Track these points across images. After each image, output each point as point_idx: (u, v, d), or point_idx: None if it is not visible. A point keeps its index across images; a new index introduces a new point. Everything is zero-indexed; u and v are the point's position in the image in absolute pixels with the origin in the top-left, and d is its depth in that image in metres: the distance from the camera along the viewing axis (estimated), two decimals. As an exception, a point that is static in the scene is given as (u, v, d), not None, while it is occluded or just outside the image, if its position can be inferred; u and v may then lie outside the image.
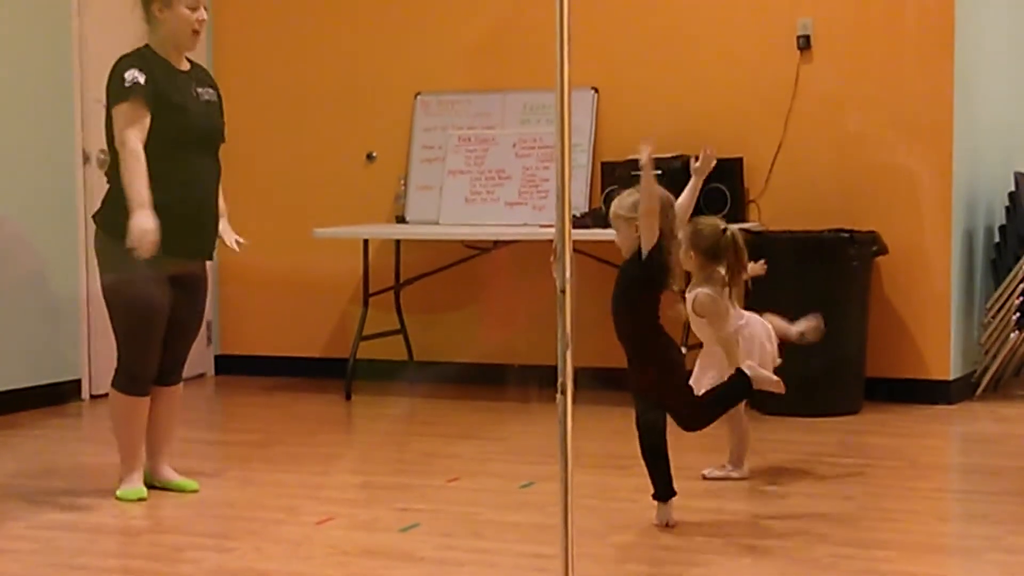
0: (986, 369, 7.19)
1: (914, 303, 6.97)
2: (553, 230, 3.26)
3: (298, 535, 4.74)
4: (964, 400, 7.06)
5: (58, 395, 7.27)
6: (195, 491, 5.30)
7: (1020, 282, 7.13)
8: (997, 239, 7.50)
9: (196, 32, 5.16)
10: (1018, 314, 7.15)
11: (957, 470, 5.97)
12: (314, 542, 4.66)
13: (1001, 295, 7.20)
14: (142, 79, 5.02)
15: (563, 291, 3.13)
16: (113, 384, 5.24)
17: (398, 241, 7.67)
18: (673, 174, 7.00)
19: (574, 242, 7.28)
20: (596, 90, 7.41)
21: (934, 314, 6.95)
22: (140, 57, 5.10)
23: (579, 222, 6.96)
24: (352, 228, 7.62)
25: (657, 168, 6.89)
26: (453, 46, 7.70)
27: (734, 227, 5.31)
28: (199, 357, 7.93)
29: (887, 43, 6.97)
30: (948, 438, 6.53)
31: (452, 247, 7.51)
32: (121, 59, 5.11)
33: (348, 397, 7.37)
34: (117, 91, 5.04)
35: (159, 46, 5.15)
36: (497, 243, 7.37)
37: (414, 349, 7.78)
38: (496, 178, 7.51)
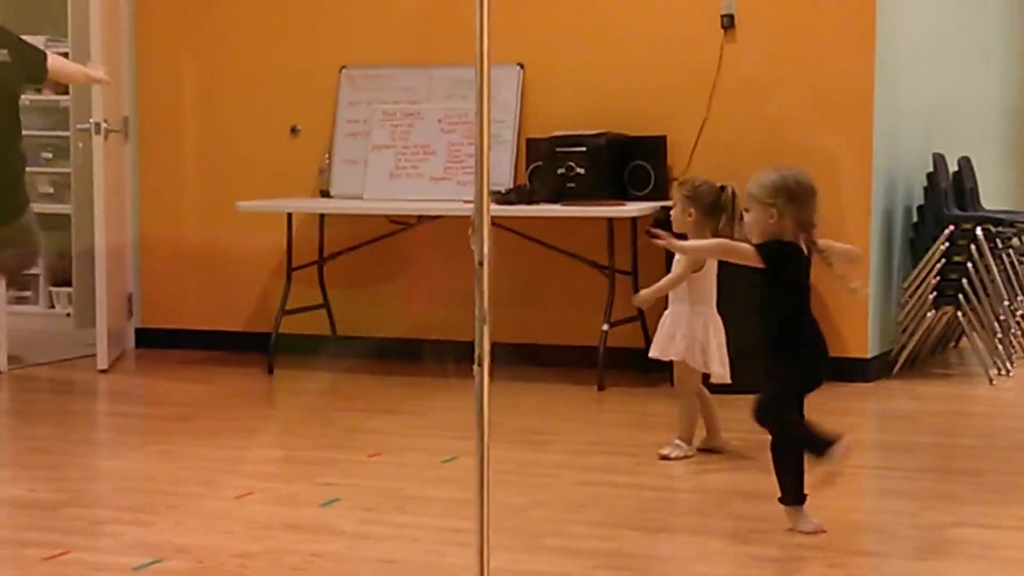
0: (903, 347, 7.29)
1: (833, 282, 7.03)
2: (479, 206, 3.27)
3: (218, 509, 4.73)
4: (882, 378, 7.16)
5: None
6: None
7: (937, 262, 7.23)
8: (915, 219, 7.60)
9: None
10: (934, 293, 7.25)
11: (874, 447, 6.05)
12: (234, 516, 4.65)
13: (918, 275, 7.30)
14: None
15: (481, 263, 3.14)
16: None
17: (322, 215, 7.64)
18: (596, 151, 7.06)
19: (498, 218, 7.33)
20: (522, 66, 7.42)
21: (853, 293, 7.01)
22: None
23: (504, 198, 6.97)
24: (276, 202, 7.58)
25: (581, 145, 7.03)
26: (379, 20, 7.66)
27: (731, 184, 5.48)
28: (120, 331, 7.88)
29: (810, 24, 7.03)
30: (866, 415, 6.61)
31: (376, 222, 7.50)
32: None
33: (270, 371, 7.34)
34: None
35: None
36: (421, 218, 7.36)
37: (337, 324, 7.76)
38: (421, 153, 7.50)
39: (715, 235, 5.39)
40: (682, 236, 5.51)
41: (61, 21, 8.87)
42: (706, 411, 5.54)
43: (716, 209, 5.41)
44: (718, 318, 5.48)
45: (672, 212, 5.56)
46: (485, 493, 3.19)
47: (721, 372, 5.46)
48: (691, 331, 5.42)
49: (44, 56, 5.99)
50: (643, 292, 5.53)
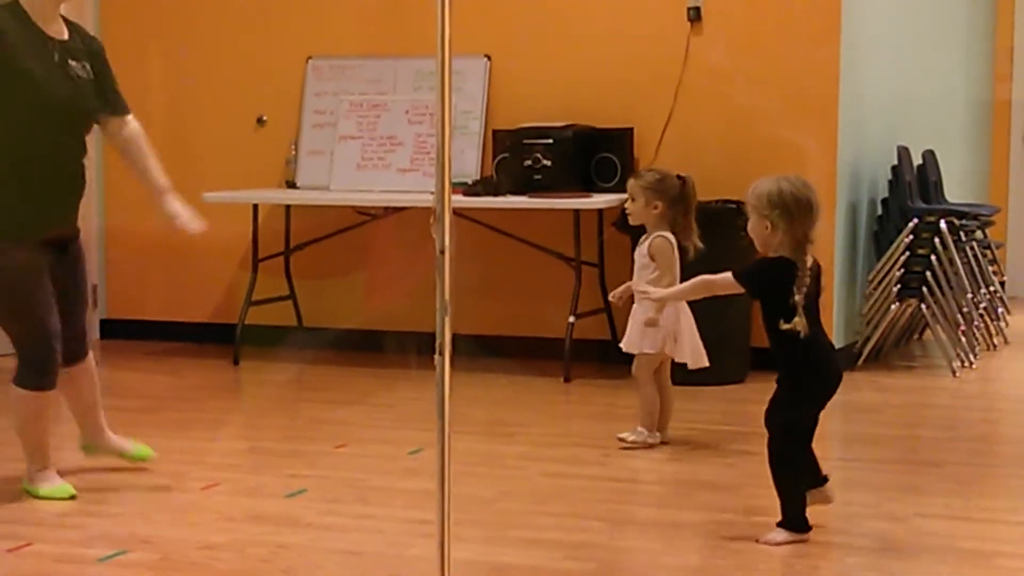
0: (867, 339, 7.33)
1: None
2: (445, 197, 3.27)
3: (184, 501, 4.72)
4: (846, 370, 7.08)
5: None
6: (149, 457, 5.07)
7: (901, 254, 7.27)
8: (880, 212, 7.64)
9: None
10: (899, 286, 7.29)
11: (838, 438, 6.07)
12: (200, 508, 4.64)
13: (883, 267, 7.34)
14: None
15: (442, 252, 3.14)
16: (17, 382, 4.71)
17: (288, 206, 7.62)
18: (563, 143, 7.06)
19: (464, 209, 7.33)
20: (489, 58, 7.42)
21: (818, 285, 7.05)
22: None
23: (470, 190, 6.98)
24: (242, 192, 7.56)
25: (548, 136, 7.03)
26: (345, 11, 7.65)
27: (687, 175, 5.58)
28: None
29: (776, 17, 7.05)
30: (830, 407, 6.55)
31: (343, 213, 7.49)
32: None
33: (236, 363, 7.32)
34: None
35: (30, 4, 4.63)
36: (388, 209, 7.35)
37: (303, 315, 7.75)
38: (388, 144, 7.49)
39: (673, 227, 5.47)
40: (639, 228, 5.55)
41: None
42: (664, 402, 5.56)
43: (680, 201, 5.50)
44: (686, 306, 5.50)
45: (629, 206, 5.58)
46: (446, 483, 3.20)
47: (695, 359, 5.50)
48: (662, 322, 5.45)
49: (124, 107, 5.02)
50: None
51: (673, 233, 5.50)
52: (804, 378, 4.33)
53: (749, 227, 4.36)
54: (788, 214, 4.21)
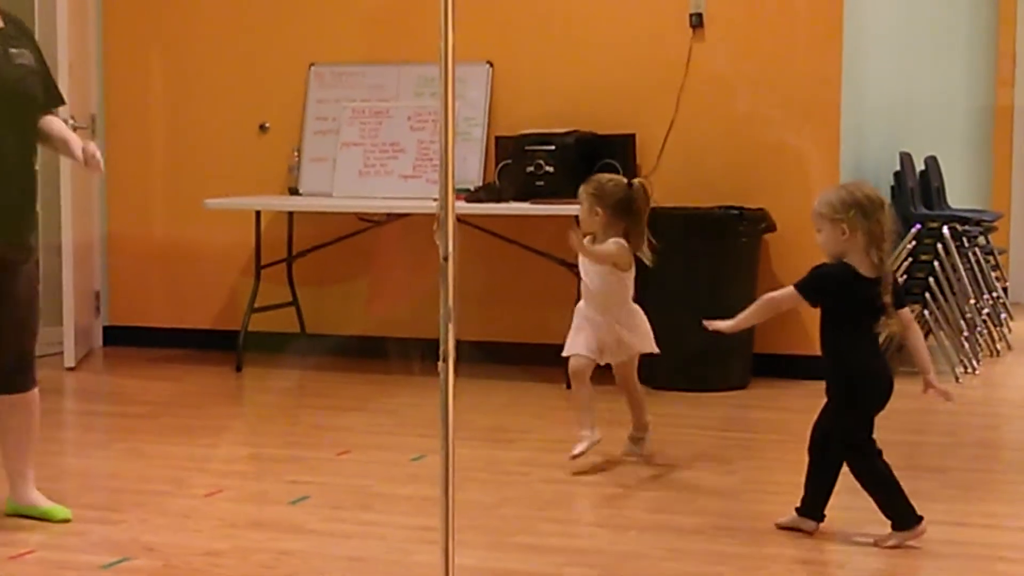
0: (870, 345, 7.32)
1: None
2: (448, 204, 3.28)
3: (186, 507, 4.72)
4: (848, 376, 7.18)
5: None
6: (66, 520, 4.51)
7: (904, 260, 7.27)
8: (882, 218, 7.64)
9: None
10: (901, 292, 7.29)
11: (840, 444, 6.08)
12: (202, 514, 4.64)
13: (885, 273, 7.34)
14: None
15: (446, 259, 3.15)
16: None
17: (291, 213, 7.63)
18: (565, 150, 7.06)
19: (467, 215, 7.33)
20: (491, 64, 7.42)
21: (820, 291, 7.04)
22: None
23: (473, 196, 6.98)
24: (244, 199, 7.57)
25: (550, 143, 7.04)
26: (348, 17, 7.66)
27: (636, 180, 5.36)
28: (88, 328, 7.85)
29: (778, 23, 7.06)
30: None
31: (345, 219, 7.49)
32: None
33: (239, 369, 7.32)
34: None
35: None
36: (390, 216, 7.36)
37: (306, 321, 7.75)
38: (390, 151, 7.49)
39: (624, 234, 5.21)
40: (590, 236, 5.30)
41: (27, 18, 8.81)
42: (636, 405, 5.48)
43: (625, 207, 5.22)
44: (633, 306, 5.34)
45: (580, 213, 5.32)
46: (450, 490, 3.20)
47: (646, 344, 5.33)
48: (611, 330, 5.33)
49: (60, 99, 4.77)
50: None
51: (627, 240, 5.24)
52: (856, 387, 4.40)
53: (823, 240, 4.36)
54: (864, 212, 4.28)
